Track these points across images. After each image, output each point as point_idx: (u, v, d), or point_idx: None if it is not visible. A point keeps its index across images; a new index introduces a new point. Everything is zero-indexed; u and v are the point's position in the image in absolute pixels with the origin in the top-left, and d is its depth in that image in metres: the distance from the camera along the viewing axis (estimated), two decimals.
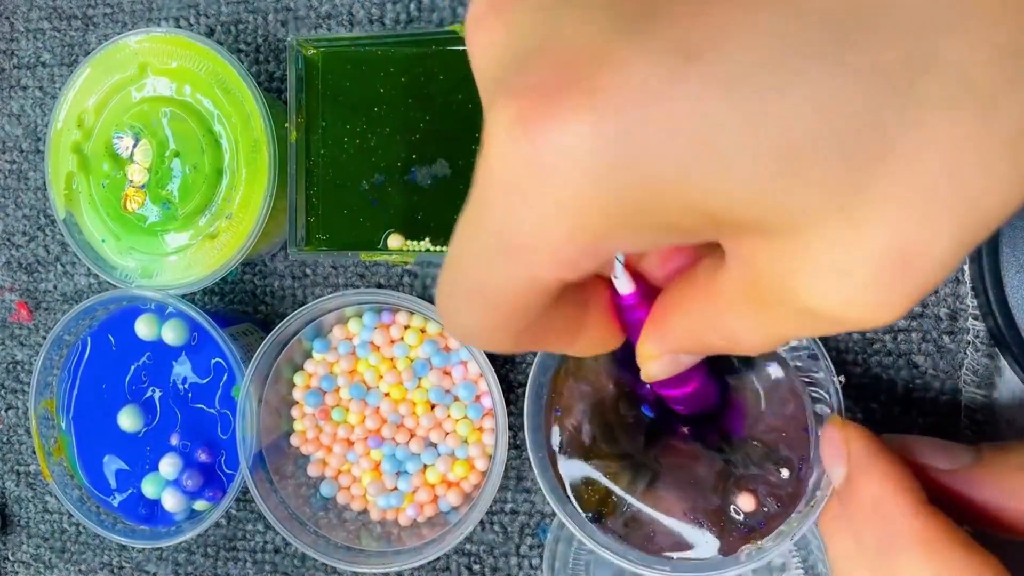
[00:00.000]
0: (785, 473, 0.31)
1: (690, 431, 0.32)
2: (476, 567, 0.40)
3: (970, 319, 0.35)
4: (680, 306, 0.19)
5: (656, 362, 0.21)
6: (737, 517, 0.31)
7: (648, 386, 0.31)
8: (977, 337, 0.35)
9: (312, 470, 0.40)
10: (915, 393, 0.36)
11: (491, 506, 0.40)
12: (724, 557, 0.31)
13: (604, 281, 0.22)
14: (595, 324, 0.21)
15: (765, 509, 0.31)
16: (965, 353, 0.35)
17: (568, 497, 0.33)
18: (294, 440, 0.40)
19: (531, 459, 0.33)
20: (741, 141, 0.14)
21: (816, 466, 0.31)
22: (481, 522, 0.40)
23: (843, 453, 0.28)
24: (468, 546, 0.41)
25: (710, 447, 0.31)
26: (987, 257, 0.33)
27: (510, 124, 0.15)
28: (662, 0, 0.14)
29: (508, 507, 0.40)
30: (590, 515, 0.32)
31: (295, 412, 0.40)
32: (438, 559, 0.40)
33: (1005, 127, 0.13)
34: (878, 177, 0.14)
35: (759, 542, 0.31)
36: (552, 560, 0.38)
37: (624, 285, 0.21)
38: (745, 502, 0.31)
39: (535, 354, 0.35)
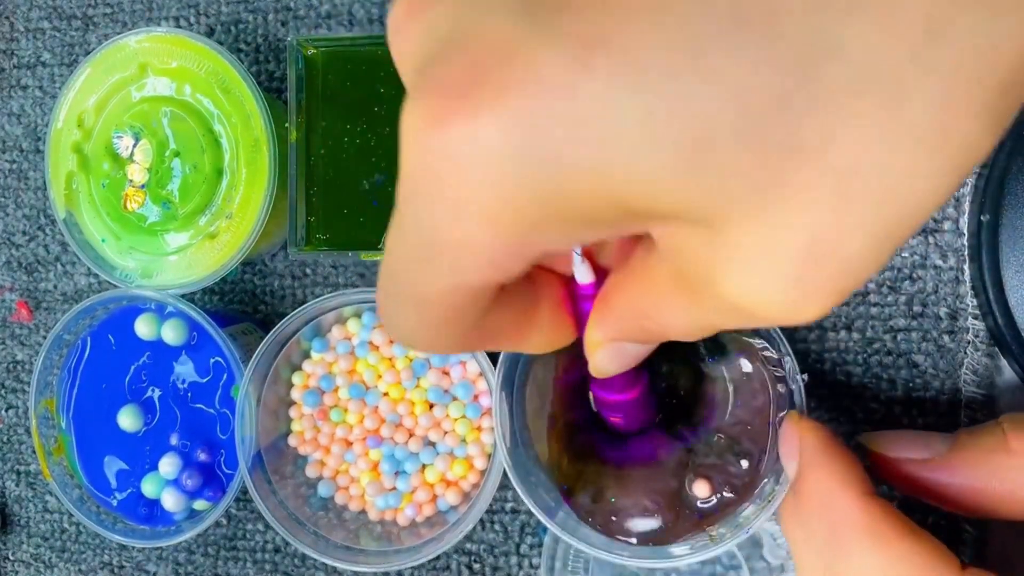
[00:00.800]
0: (744, 464, 0.32)
1: (658, 421, 0.32)
2: (476, 566, 0.40)
3: (970, 319, 0.35)
4: (619, 292, 0.19)
5: (602, 351, 0.21)
6: (692, 502, 0.32)
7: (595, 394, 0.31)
8: (977, 337, 0.35)
9: (311, 470, 0.40)
10: (915, 393, 0.36)
11: (491, 505, 0.40)
12: (677, 543, 0.32)
13: (555, 276, 0.21)
14: (547, 320, 0.21)
15: (719, 496, 0.32)
16: (965, 353, 0.35)
17: (541, 469, 0.34)
18: (292, 440, 0.40)
19: (499, 431, 0.33)
20: (648, 133, 0.13)
21: (773, 459, 0.31)
22: (481, 521, 0.40)
23: (796, 448, 0.29)
24: (468, 545, 0.41)
25: (674, 436, 0.32)
26: (987, 257, 0.33)
27: (421, 124, 0.15)
28: None
29: (508, 506, 0.40)
30: (564, 487, 0.33)
31: (293, 412, 0.40)
32: (438, 558, 0.40)
33: (918, 117, 0.13)
34: (790, 169, 0.13)
35: (710, 528, 0.32)
36: (551, 560, 0.38)
37: (583, 275, 0.20)
38: (700, 488, 0.32)
39: None
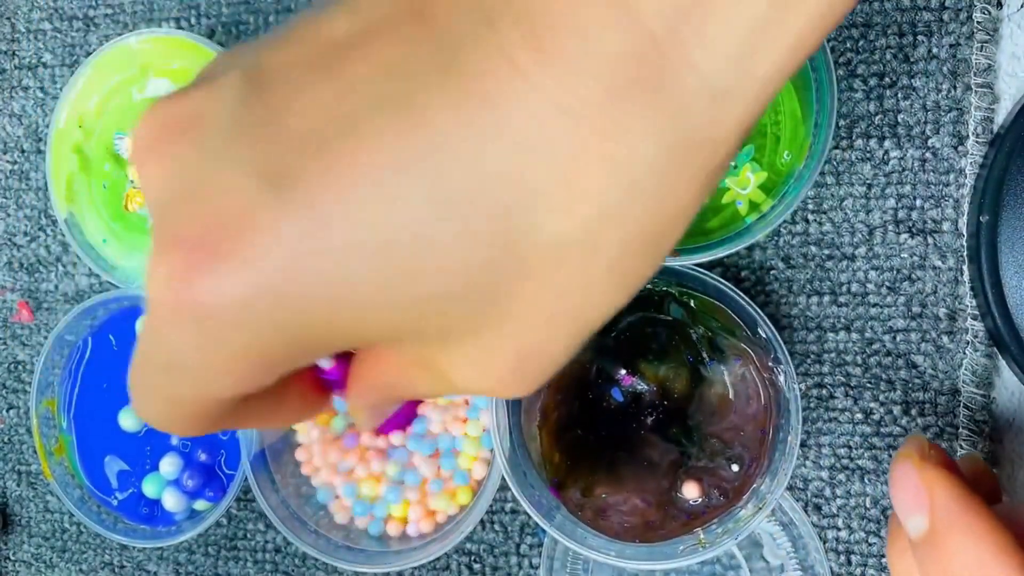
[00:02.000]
0: (735, 468, 0.32)
1: (652, 423, 0.32)
2: (476, 566, 0.40)
3: (969, 319, 0.35)
4: (369, 371, 0.21)
5: (365, 414, 0.23)
6: (681, 503, 0.32)
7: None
8: (976, 337, 0.35)
9: (315, 480, 0.40)
10: (914, 393, 0.36)
11: (491, 505, 0.40)
12: (668, 547, 0.32)
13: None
14: (295, 402, 0.22)
15: (709, 499, 0.32)
16: (964, 353, 0.35)
17: (532, 461, 0.34)
18: (300, 455, 0.40)
19: (495, 422, 0.33)
20: (382, 295, 0.16)
21: (765, 464, 0.32)
22: (481, 521, 0.40)
23: (924, 502, 0.24)
24: (468, 545, 0.41)
25: (669, 439, 0.32)
26: (986, 258, 0.33)
27: (168, 277, 0.16)
28: (306, 162, 0.15)
29: (508, 506, 0.40)
30: (555, 480, 0.33)
31: (296, 424, 0.40)
32: (438, 558, 0.40)
33: (601, 269, 0.17)
34: (500, 313, 0.17)
35: (698, 530, 0.32)
36: (550, 560, 0.38)
37: (326, 363, 0.22)
38: (691, 490, 0.32)
39: None
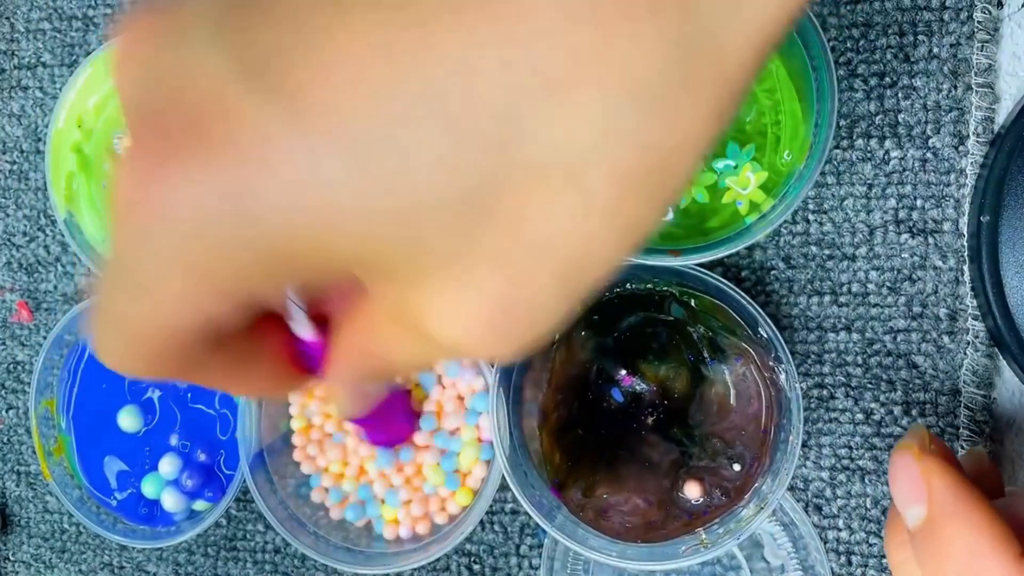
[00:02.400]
0: (736, 467, 0.32)
1: (653, 423, 0.32)
2: (476, 567, 0.40)
3: (970, 319, 0.35)
4: (347, 340, 0.20)
5: (343, 395, 0.22)
6: (683, 503, 0.32)
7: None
8: (976, 337, 0.35)
9: (313, 482, 0.40)
10: (915, 393, 0.36)
11: (491, 506, 0.40)
12: (670, 547, 0.32)
13: (280, 329, 0.21)
14: (266, 372, 0.21)
15: (710, 499, 0.32)
16: (965, 353, 0.35)
17: (532, 461, 0.34)
18: (297, 456, 0.40)
19: (495, 418, 0.33)
20: (358, 202, 0.15)
21: (766, 464, 0.32)
22: (481, 522, 0.40)
23: (922, 491, 0.25)
24: (468, 546, 0.41)
25: (670, 439, 0.32)
26: (987, 258, 0.33)
27: (134, 172, 0.15)
28: (288, 50, 0.14)
29: (508, 507, 0.40)
30: (555, 481, 0.33)
31: (294, 413, 0.40)
32: (438, 559, 0.40)
33: (596, 196, 0.15)
34: (486, 237, 0.15)
35: (699, 530, 0.32)
36: (551, 561, 0.38)
37: (305, 332, 0.21)
38: (692, 490, 0.32)
39: None
